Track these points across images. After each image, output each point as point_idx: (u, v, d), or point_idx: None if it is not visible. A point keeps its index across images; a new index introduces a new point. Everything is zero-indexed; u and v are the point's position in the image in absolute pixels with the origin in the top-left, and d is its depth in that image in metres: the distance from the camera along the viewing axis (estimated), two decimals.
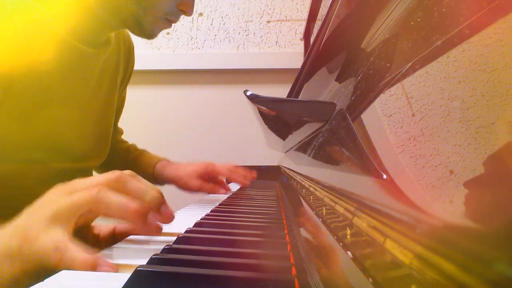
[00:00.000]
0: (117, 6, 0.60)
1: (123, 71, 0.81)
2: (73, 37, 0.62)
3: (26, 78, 0.56)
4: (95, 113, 0.70)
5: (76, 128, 0.65)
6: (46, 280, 0.26)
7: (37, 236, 0.31)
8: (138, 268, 0.26)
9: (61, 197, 0.34)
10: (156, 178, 0.89)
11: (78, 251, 0.30)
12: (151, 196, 0.36)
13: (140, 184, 0.37)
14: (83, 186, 0.35)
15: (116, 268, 0.30)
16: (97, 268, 0.29)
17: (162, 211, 0.37)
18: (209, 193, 0.87)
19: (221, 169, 0.90)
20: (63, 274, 0.27)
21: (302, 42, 1.31)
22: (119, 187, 0.36)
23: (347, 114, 0.33)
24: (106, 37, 0.70)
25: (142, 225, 0.35)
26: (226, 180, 0.96)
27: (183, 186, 0.86)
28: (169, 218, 0.38)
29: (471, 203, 0.11)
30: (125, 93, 0.89)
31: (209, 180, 0.89)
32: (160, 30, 0.66)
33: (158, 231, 0.37)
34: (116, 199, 0.34)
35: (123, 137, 0.97)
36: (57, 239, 0.31)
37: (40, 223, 0.32)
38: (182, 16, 0.66)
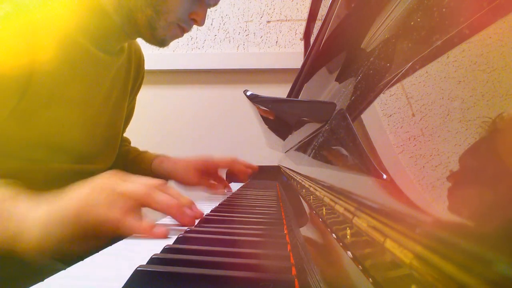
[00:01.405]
0: (132, 9, 0.62)
1: (133, 81, 0.82)
2: (89, 42, 0.63)
3: (34, 79, 0.56)
4: (104, 118, 0.71)
5: (83, 130, 0.66)
6: (46, 280, 0.26)
7: (97, 207, 0.41)
8: (138, 268, 0.26)
9: (120, 181, 0.44)
10: (154, 174, 0.88)
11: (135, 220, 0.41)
12: (184, 199, 0.48)
13: (175, 191, 0.48)
14: (135, 181, 0.45)
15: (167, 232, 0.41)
16: (153, 232, 0.41)
17: (193, 209, 0.48)
18: (208, 190, 0.86)
19: (220, 161, 0.88)
20: (63, 274, 0.27)
21: (302, 42, 1.31)
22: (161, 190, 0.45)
23: (347, 114, 0.33)
24: (121, 46, 0.71)
25: (182, 217, 0.45)
26: (227, 172, 0.95)
27: (181, 180, 0.84)
28: (200, 215, 0.48)
29: (471, 203, 0.11)
30: (134, 103, 0.90)
31: (209, 175, 0.87)
32: (172, 38, 0.67)
33: (192, 223, 0.46)
34: (163, 196, 0.44)
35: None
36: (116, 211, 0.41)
37: (100, 197, 0.41)
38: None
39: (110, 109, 0.73)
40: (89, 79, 0.65)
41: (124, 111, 0.80)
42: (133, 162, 0.91)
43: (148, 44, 0.68)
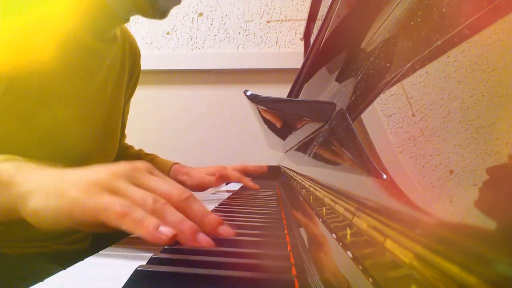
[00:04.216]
0: None
1: (129, 75, 0.80)
2: (81, 30, 0.61)
3: (28, 76, 0.55)
4: (100, 112, 0.70)
5: (80, 127, 0.65)
6: (46, 280, 0.26)
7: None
8: (138, 268, 0.26)
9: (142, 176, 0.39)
10: None
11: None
12: (209, 219, 0.38)
13: (202, 207, 0.39)
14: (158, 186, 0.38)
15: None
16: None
17: (220, 231, 0.38)
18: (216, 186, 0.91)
19: (232, 174, 0.93)
20: (63, 274, 0.27)
21: (302, 42, 1.31)
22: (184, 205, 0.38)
23: (347, 114, 0.33)
24: (113, 33, 0.69)
25: (193, 242, 0.35)
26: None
27: (195, 188, 0.89)
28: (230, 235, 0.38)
29: (471, 203, 0.11)
30: (129, 106, 0.89)
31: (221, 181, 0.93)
32: (173, 4, 0.64)
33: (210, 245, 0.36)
34: (174, 216, 0.35)
35: (126, 140, 0.97)
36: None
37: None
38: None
39: (106, 102, 0.71)
40: (82, 69, 0.63)
41: (121, 104, 0.78)
42: None
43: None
